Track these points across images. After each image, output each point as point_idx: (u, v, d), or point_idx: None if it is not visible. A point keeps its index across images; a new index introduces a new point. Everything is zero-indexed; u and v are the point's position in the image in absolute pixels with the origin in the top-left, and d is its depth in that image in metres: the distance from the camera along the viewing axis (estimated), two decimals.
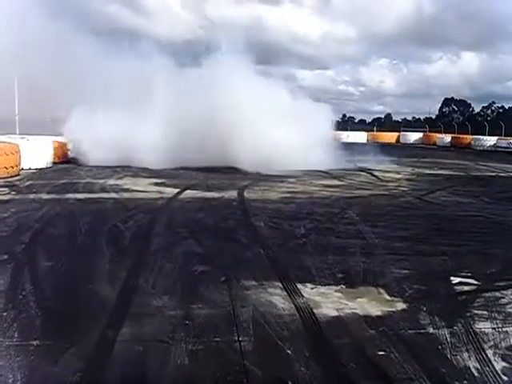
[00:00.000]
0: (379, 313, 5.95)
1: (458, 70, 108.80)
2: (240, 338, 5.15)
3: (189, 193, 14.87)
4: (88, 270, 7.27)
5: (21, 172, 18.76)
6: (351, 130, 60.09)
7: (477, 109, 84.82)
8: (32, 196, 13.53)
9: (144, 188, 15.65)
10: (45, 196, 13.58)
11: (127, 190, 15.03)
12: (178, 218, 11.04)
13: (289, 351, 4.90)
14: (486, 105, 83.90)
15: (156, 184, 16.67)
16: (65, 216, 10.96)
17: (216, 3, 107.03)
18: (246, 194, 14.81)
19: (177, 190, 15.06)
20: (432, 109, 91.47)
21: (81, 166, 21.51)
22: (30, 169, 19.82)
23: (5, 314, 5.63)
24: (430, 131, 59.51)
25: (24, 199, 13.01)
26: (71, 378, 4.35)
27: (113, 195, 14.05)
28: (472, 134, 51.15)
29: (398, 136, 58.82)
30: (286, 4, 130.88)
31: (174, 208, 12.41)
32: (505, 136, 47.41)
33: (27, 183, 16.22)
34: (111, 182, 16.93)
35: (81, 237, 9.20)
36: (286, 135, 21.94)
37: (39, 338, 5.06)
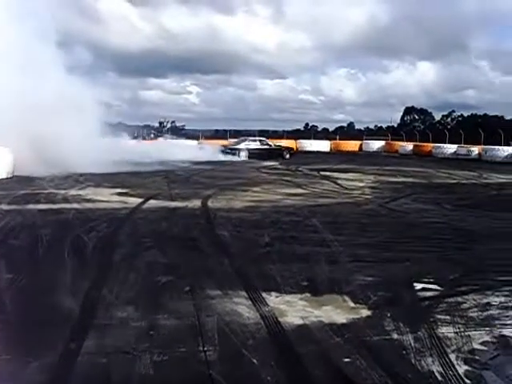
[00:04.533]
0: (344, 320, 5.97)
1: (415, 80, 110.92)
2: (205, 348, 5.11)
3: (152, 202, 14.75)
4: (50, 282, 7.14)
5: None
6: (314, 139, 60.44)
7: (437, 117, 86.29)
8: None
9: (107, 198, 15.49)
10: (5, 207, 13.31)
11: (90, 201, 14.84)
12: (141, 228, 10.95)
13: (254, 360, 4.87)
14: (445, 113, 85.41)
15: (119, 194, 16.51)
16: (26, 227, 10.76)
17: (172, 14, 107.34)
18: (210, 204, 14.76)
19: (140, 200, 14.94)
20: (394, 117, 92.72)
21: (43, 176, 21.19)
22: None
23: None
24: (392, 139, 60.11)
25: None
26: None
27: (75, 205, 13.86)
28: (433, 142, 51.89)
29: (361, 144, 59.30)
30: (240, 14, 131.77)
31: (138, 218, 12.31)
32: (464, 144, 48.21)
33: None
34: (73, 192, 16.71)
35: (42, 248, 9.03)
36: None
37: None
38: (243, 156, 37.44)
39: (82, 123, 26.46)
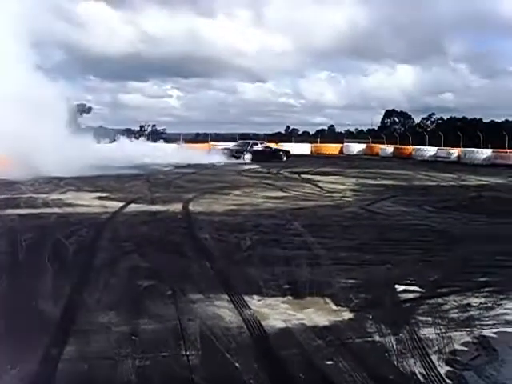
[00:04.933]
0: (326, 323, 5.98)
1: (395, 83, 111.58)
2: (187, 352, 5.10)
3: (133, 206, 14.69)
4: (30, 287, 7.06)
5: None
6: (295, 142, 60.53)
7: (417, 120, 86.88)
8: None
9: (88, 202, 15.38)
10: None
11: (70, 205, 14.73)
12: (122, 232, 10.89)
13: (237, 364, 4.86)
14: (425, 116, 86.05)
15: (100, 198, 16.41)
16: (5, 232, 10.65)
17: (152, 17, 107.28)
18: (191, 207, 14.73)
19: (121, 204, 14.86)
20: (374, 120, 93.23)
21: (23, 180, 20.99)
22: None
23: None
24: (372, 142, 60.47)
25: None
26: None
27: (56, 210, 13.75)
28: (413, 145, 52.32)
29: (342, 147, 59.50)
30: (220, 17, 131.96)
31: (119, 222, 12.24)
32: (444, 146, 48.67)
33: None
34: (54, 196, 16.57)
35: (22, 253, 8.95)
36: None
37: None
38: (248, 159, 38.46)
39: (48, 125, 26.28)
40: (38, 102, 25.96)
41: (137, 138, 52.37)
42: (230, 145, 43.46)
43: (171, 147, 48.23)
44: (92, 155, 28.46)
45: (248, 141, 43.88)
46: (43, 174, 22.02)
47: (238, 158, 38.17)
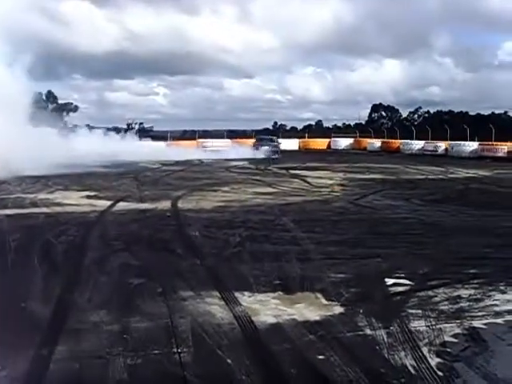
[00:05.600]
0: (317, 317, 6.00)
1: (381, 77, 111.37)
2: (179, 350, 5.10)
3: (122, 205, 14.65)
4: (20, 287, 7.04)
5: None
6: (282, 138, 60.47)
7: (404, 114, 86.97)
8: None
9: (76, 201, 15.30)
10: None
11: (59, 204, 14.66)
12: (111, 231, 10.86)
13: (229, 360, 4.87)
14: (412, 110, 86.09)
15: (88, 197, 16.34)
16: None
17: (137, 15, 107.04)
18: (179, 205, 14.71)
19: (110, 203, 14.82)
20: (361, 115, 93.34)
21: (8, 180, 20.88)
22: None
23: None
24: (360, 137, 60.50)
25: None
26: None
27: (44, 210, 13.68)
28: (401, 139, 52.46)
29: (329, 142, 59.54)
30: (206, 14, 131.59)
31: (108, 221, 12.20)
32: (431, 140, 48.80)
33: None
34: (42, 196, 16.48)
35: (11, 254, 8.90)
36: None
37: None
38: (264, 152, 41.83)
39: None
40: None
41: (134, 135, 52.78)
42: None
43: (159, 145, 48.23)
44: (66, 154, 28.45)
45: (261, 137, 49.23)
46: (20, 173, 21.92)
47: (257, 150, 42.41)
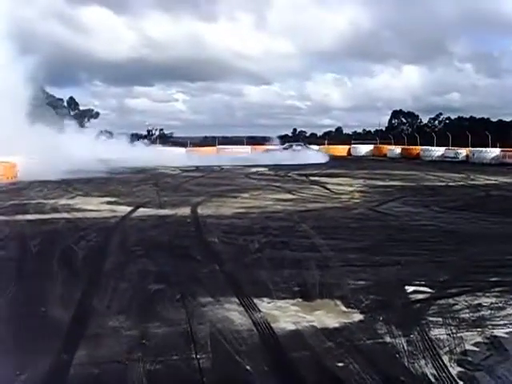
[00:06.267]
0: (337, 324, 5.97)
1: (401, 83, 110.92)
2: (198, 356, 5.10)
3: (142, 211, 14.71)
4: (40, 293, 7.10)
5: None
6: None
7: (424, 120, 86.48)
8: None
9: (96, 207, 15.41)
10: None
11: (79, 210, 14.77)
12: (131, 237, 10.91)
13: (248, 367, 4.86)
14: (433, 116, 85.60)
15: (108, 203, 16.45)
16: (15, 238, 10.71)
17: (156, 22, 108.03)
18: (199, 211, 14.74)
19: (130, 208, 14.89)
20: (381, 121, 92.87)
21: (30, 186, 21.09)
22: None
23: None
24: (380, 143, 60.40)
25: None
26: None
27: (64, 215, 13.79)
28: (421, 145, 52.19)
29: (349, 149, 59.51)
30: (223, 21, 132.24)
31: (128, 226, 12.26)
32: (452, 146, 48.50)
33: None
34: (62, 201, 16.63)
35: (32, 259, 8.98)
36: None
37: None
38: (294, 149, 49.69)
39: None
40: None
41: (150, 142, 53.53)
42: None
43: (179, 151, 48.51)
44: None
45: (291, 143, 54.64)
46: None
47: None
